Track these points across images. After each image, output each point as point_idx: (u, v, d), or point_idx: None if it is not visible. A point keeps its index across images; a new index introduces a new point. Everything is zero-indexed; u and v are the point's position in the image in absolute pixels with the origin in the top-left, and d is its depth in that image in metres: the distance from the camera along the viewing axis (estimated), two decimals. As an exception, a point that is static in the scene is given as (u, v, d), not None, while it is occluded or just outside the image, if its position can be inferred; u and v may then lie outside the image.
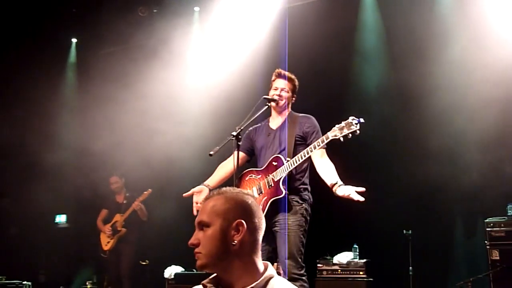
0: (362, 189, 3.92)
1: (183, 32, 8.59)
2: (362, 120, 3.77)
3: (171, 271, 7.37)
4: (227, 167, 4.49)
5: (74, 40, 9.87)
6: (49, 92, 9.31)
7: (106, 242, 8.06)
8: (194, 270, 7.42)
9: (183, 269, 7.46)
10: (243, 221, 1.86)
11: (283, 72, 4.49)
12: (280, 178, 4.10)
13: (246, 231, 1.85)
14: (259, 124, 4.59)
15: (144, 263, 8.12)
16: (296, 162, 4.04)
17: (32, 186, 8.64)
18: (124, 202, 8.11)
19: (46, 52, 9.18)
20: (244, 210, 1.89)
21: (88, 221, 8.84)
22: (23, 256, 8.96)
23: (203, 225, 1.87)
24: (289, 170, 4.07)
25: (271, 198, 4.10)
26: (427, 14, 6.92)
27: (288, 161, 4.11)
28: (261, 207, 4.05)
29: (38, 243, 9.16)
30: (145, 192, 7.83)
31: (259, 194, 4.20)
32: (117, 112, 8.33)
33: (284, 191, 4.07)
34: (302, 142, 4.29)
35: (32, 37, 8.97)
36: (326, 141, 3.94)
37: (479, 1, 6.58)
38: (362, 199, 3.86)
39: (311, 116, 4.47)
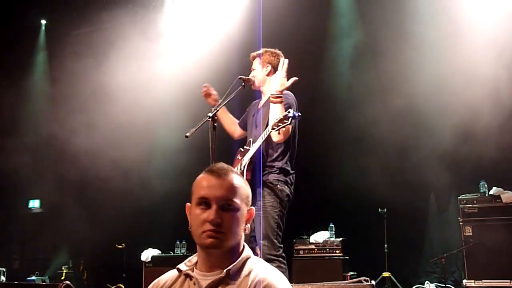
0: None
1: (155, 13, 8.47)
2: (297, 114, 3.63)
3: (148, 254, 7.35)
4: (235, 127, 4.55)
5: (43, 22, 9.65)
6: (18, 75, 9.13)
7: None
8: (170, 252, 7.42)
9: (160, 252, 7.44)
10: (253, 208, 1.91)
11: (251, 54, 4.42)
12: (246, 163, 4.08)
13: None
14: (220, 106, 4.40)
15: (120, 246, 8.08)
16: (255, 147, 4.01)
17: (4, 171, 8.50)
18: None
19: (15, 34, 8.97)
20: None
21: (63, 206, 8.74)
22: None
23: (231, 206, 1.83)
24: (250, 155, 4.05)
25: None
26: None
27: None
28: None
29: (11, 228, 9.05)
30: None
31: None
32: (88, 94, 8.21)
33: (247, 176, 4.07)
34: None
35: (0, 19, 8.73)
36: (264, 138, 3.89)
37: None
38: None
39: (287, 92, 4.30)
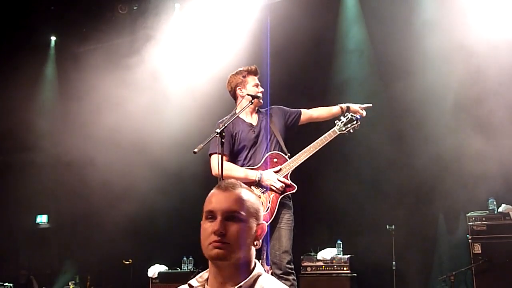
0: (369, 105, 4.50)
1: (163, 29, 8.53)
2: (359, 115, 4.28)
3: (154, 270, 7.33)
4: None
5: (53, 38, 9.74)
6: (28, 91, 9.19)
7: None
8: (177, 268, 7.39)
9: (166, 268, 7.42)
10: (265, 223, 1.91)
11: (258, 70, 4.50)
12: (288, 174, 4.13)
13: None
14: (228, 122, 4.12)
15: (127, 262, 8.06)
16: (305, 157, 4.12)
17: (12, 186, 8.52)
18: None
19: (25, 51, 9.04)
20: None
21: (70, 221, 8.74)
22: (4, 257, 8.85)
23: (236, 218, 1.83)
24: (298, 164, 4.12)
25: (282, 195, 4.09)
26: (407, 8, 6.96)
27: (288, 155, 4.14)
28: (269, 205, 4.03)
29: (19, 244, 9.05)
30: None
31: (262, 192, 4.10)
32: (97, 110, 8.24)
33: (295, 186, 4.11)
34: (286, 134, 4.34)
35: (11, 36, 8.82)
36: (334, 136, 4.20)
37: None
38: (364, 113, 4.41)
39: (273, 106, 4.48)
